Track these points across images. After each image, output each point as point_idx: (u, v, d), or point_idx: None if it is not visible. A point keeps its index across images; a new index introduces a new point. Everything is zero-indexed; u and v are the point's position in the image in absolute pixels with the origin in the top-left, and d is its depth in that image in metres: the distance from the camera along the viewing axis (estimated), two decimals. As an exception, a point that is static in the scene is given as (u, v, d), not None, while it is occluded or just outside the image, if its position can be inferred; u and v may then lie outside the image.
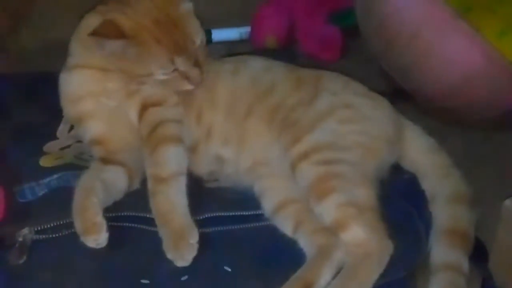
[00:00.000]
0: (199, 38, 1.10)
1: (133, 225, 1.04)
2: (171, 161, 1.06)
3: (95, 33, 1.04)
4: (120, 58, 1.07)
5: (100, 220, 0.99)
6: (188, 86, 1.11)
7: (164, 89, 1.11)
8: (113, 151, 1.11)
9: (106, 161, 1.09)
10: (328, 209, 1.01)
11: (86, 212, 1.00)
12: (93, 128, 1.12)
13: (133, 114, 1.12)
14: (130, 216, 1.04)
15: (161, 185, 1.04)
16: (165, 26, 1.07)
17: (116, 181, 1.07)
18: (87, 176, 1.06)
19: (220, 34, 1.56)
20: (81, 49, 1.12)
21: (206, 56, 1.13)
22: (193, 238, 1.00)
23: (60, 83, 1.14)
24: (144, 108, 1.11)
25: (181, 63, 1.08)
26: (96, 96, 1.11)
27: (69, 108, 1.14)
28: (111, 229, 1.00)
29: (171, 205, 1.02)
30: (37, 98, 1.24)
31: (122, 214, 1.04)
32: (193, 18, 1.11)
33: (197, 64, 1.10)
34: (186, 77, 1.10)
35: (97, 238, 0.99)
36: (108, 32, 1.05)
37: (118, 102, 1.11)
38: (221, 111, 1.14)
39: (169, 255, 1.00)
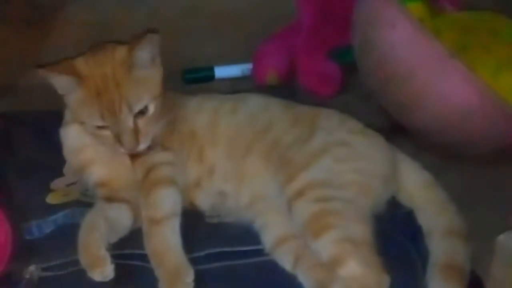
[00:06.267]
0: (138, 106, 1.07)
1: (136, 263, 1.06)
2: (165, 203, 1.08)
3: (41, 66, 1.05)
4: (65, 97, 1.09)
5: (103, 253, 1.01)
6: (120, 150, 1.08)
7: (102, 144, 1.11)
8: (116, 189, 1.13)
9: (110, 199, 1.12)
10: (325, 246, 1.02)
11: (89, 247, 1.02)
12: (96, 173, 1.15)
13: (128, 158, 1.14)
14: (133, 254, 1.07)
15: (155, 227, 1.06)
16: (108, 83, 1.06)
17: (120, 218, 1.10)
18: (91, 214, 1.08)
19: (222, 71, 1.59)
20: None
21: (152, 128, 1.09)
22: (189, 277, 1.02)
23: (61, 138, 1.18)
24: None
25: (111, 123, 1.06)
26: (94, 145, 1.14)
27: (71, 159, 1.18)
28: (115, 267, 1.01)
29: (166, 246, 1.04)
30: (44, 136, 1.26)
31: (125, 252, 1.07)
32: (145, 85, 1.08)
33: (135, 132, 1.07)
34: (119, 141, 1.08)
35: (103, 271, 1.00)
36: (61, 68, 1.06)
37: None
38: (222, 149, 1.17)
39: None
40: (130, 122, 1.07)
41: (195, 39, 1.58)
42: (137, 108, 1.07)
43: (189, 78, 1.59)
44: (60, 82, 1.07)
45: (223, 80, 1.58)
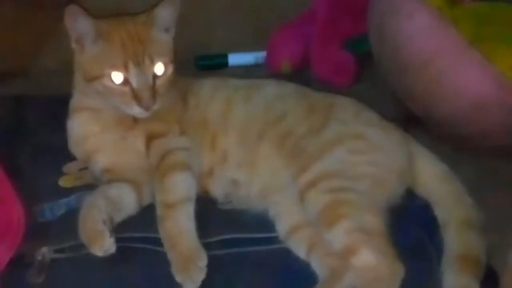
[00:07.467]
0: (158, 59, 1.10)
1: (148, 246, 1.06)
2: (179, 188, 1.09)
3: (77, 3, 1.08)
4: (83, 48, 1.10)
5: (101, 227, 1.02)
6: (136, 109, 1.10)
7: (113, 104, 1.11)
8: (122, 173, 1.14)
9: (111, 181, 1.13)
10: (338, 236, 1.02)
11: (87, 223, 1.04)
12: (101, 161, 1.16)
13: (140, 144, 1.15)
14: (145, 237, 1.06)
15: (169, 211, 1.06)
16: (133, 38, 1.10)
17: (122, 195, 1.11)
18: (91, 196, 1.09)
19: (236, 59, 1.58)
20: (78, 85, 1.17)
21: (166, 92, 1.12)
22: (202, 261, 1.02)
23: (67, 130, 1.19)
24: (149, 139, 1.14)
25: (134, 74, 1.09)
26: (98, 133, 1.16)
27: (77, 150, 1.19)
28: (127, 250, 1.02)
29: (179, 230, 1.04)
30: (57, 119, 1.26)
31: (137, 235, 1.06)
32: (162, 45, 1.12)
33: (152, 90, 1.10)
34: (136, 98, 1.09)
35: (102, 244, 1.01)
36: (87, 12, 1.08)
37: (120, 134, 1.15)
38: (235, 137, 1.16)
39: (178, 278, 1.01)
40: (150, 76, 1.10)
41: (209, 25, 1.57)
42: (157, 61, 1.10)
43: (202, 65, 1.59)
44: (85, 27, 1.09)
45: (236, 67, 1.58)
